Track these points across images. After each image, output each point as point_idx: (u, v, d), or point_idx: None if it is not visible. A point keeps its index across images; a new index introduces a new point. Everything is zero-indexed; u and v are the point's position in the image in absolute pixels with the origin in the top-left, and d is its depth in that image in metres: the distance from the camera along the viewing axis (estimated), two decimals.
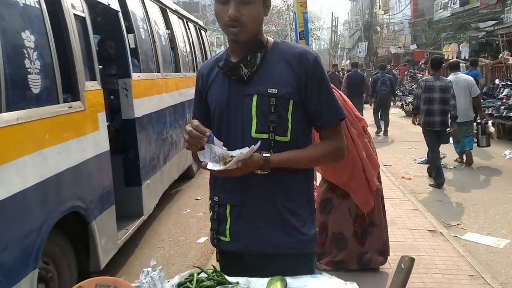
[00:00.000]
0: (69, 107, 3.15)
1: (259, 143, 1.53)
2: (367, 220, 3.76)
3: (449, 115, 6.54)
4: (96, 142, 3.60)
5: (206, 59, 9.15)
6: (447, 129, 6.85)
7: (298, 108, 1.63)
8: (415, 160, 8.71)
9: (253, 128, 1.61)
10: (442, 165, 8.01)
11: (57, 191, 2.99)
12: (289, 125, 1.63)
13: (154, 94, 5.36)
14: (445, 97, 6.46)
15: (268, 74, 1.62)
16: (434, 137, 6.71)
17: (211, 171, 1.54)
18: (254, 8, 1.55)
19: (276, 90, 1.60)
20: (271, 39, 1.70)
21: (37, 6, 2.88)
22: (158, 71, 5.61)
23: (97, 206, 3.56)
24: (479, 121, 8.13)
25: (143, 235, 5.03)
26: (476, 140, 8.23)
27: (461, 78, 7.66)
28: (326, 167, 3.61)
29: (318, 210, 3.74)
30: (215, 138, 1.55)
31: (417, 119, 7.01)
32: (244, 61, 1.62)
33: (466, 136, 7.75)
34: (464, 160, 8.05)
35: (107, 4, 4.12)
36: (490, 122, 8.46)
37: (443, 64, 9.13)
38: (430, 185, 6.84)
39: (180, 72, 6.78)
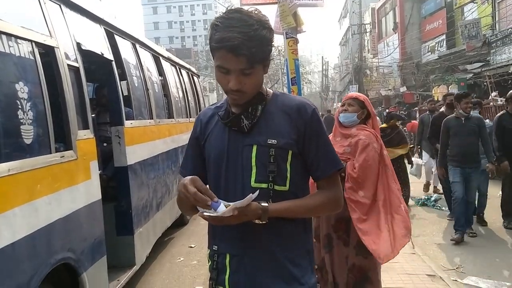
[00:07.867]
0: (61, 157, 3.11)
1: (257, 192, 1.53)
2: (365, 274, 3.43)
3: None
4: (87, 191, 3.55)
5: (199, 104, 9.23)
6: None
7: (297, 158, 1.65)
8: (412, 197, 8.61)
9: (253, 178, 1.62)
10: (437, 207, 8.04)
11: (47, 242, 2.90)
12: (288, 175, 1.64)
13: (147, 141, 5.34)
14: None
15: (268, 125, 1.64)
16: None
17: (208, 217, 1.51)
18: (255, 77, 1.58)
19: (276, 141, 1.61)
20: (270, 91, 1.73)
21: (31, 57, 2.89)
22: (151, 118, 5.63)
23: (88, 257, 3.47)
24: None
25: (134, 286, 4.89)
26: None
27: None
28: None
29: (322, 245, 3.55)
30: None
31: None
32: (245, 113, 1.64)
33: None
34: None
35: (100, 53, 4.17)
36: None
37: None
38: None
39: (173, 118, 6.81)
